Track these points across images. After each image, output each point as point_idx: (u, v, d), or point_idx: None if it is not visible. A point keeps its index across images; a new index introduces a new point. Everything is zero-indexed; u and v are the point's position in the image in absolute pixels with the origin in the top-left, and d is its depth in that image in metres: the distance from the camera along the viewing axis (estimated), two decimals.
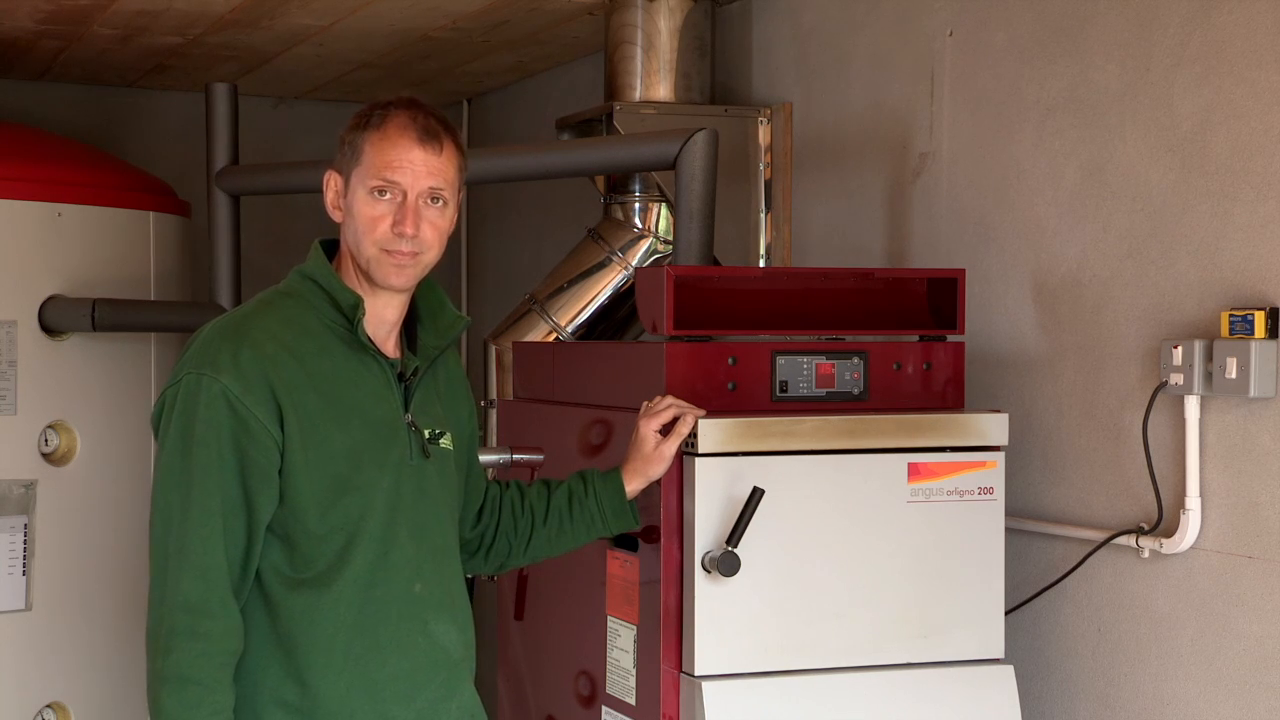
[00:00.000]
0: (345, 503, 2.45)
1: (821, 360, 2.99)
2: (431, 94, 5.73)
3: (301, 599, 2.44)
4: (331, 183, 2.56)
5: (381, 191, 2.49)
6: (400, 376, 2.56)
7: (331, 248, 2.59)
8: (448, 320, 2.63)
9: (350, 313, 2.50)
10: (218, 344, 2.44)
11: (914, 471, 2.92)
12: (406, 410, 2.55)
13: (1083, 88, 3.11)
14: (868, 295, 3.13)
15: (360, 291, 2.52)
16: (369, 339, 2.52)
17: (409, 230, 2.48)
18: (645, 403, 2.85)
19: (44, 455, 4.23)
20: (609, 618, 3.04)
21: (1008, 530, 3.06)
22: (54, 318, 4.21)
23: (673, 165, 3.47)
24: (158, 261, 4.51)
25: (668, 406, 2.82)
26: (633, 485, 2.82)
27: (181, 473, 2.39)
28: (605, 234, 4.06)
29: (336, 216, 2.55)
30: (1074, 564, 3.08)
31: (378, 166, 2.49)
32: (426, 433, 2.57)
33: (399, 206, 2.49)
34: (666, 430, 2.81)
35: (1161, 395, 2.89)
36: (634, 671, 2.95)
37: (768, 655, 2.84)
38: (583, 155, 3.78)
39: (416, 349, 2.62)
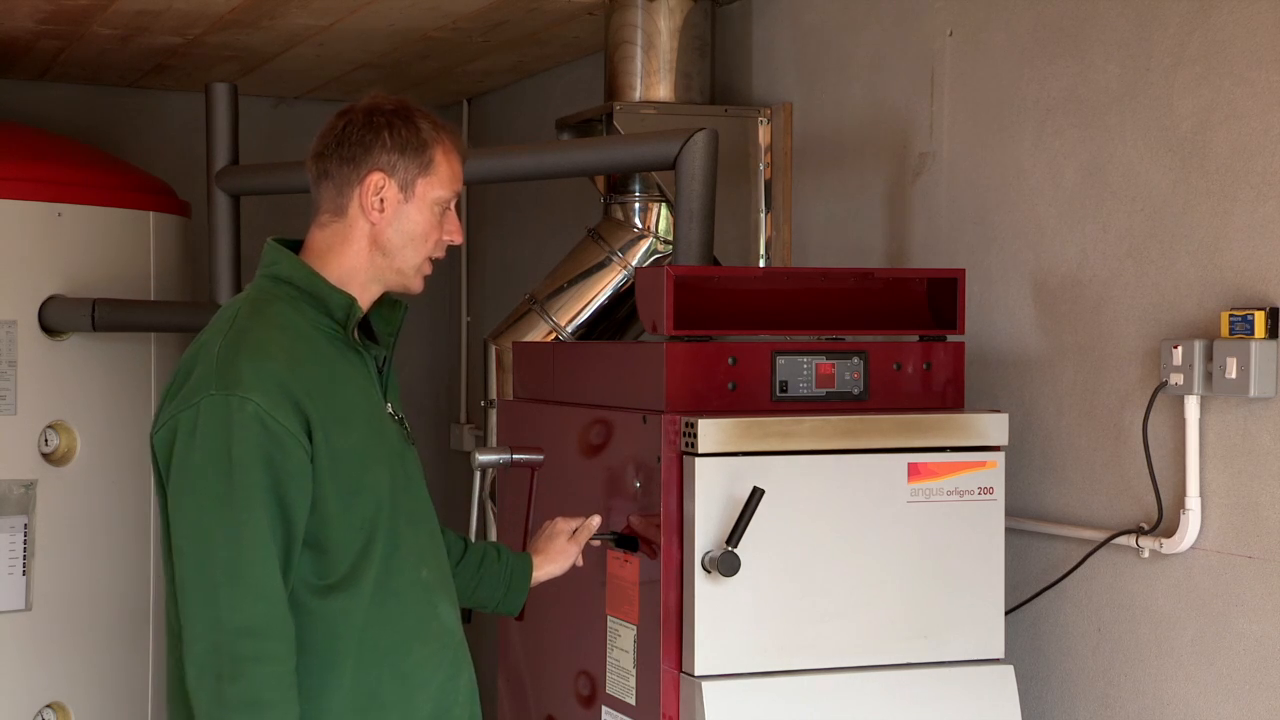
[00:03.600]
0: (361, 502, 2.46)
1: (821, 360, 2.99)
2: (431, 94, 5.74)
3: (336, 604, 2.44)
4: (383, 185, 2.51)
5: (446, 205, 2.55)
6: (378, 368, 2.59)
7: (285, 246, 2.58)
8: (388, 304, 2.64)
9: (343, 315, 2.50)
10: (234, 361, 2.39)
11: (914, 471, 2.92)
12: (385, 400, 2.58)
13: (1083, 88, 3.11)
14: (868, 295, 3.13)
15: (347, 290, 2.53)
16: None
17: (460, 238, 2.58)
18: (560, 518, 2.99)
19: (44, 455, 4.23)
20: (609, 618, 3.04)
21: (1008, 530, 3.06)
22: (54, 318, 4.21)
23: (673, 165, 3.47)
24: (158, 261, 4.51)
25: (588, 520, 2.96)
26: (536, 574, 2.91)
27: (223, 496, 2.35)
28: (605, 234, 4.06)
29: (374, 217, 2.51)
30: (1074, 564, 3.08)
31: (451, 179, 2.55)
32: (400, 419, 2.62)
33: (445, 217, 2.56)
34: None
35: (1161, 395, 2.89)
36: (634, 671, 2.95)
37: (768, 655, 2.84)
38: (583, 155, 3.78)
39: (374, 337, 2.62)
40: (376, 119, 2.52)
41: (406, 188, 2.51)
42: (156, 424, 2.46)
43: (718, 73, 4.13)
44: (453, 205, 2.58)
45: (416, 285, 2.58)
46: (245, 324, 2.46)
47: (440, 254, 2.58)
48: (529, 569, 2.90)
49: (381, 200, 2.51)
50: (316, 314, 2.50)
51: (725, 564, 2.76)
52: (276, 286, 2.52)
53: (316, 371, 2.45)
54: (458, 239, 2.58)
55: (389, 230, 2.52)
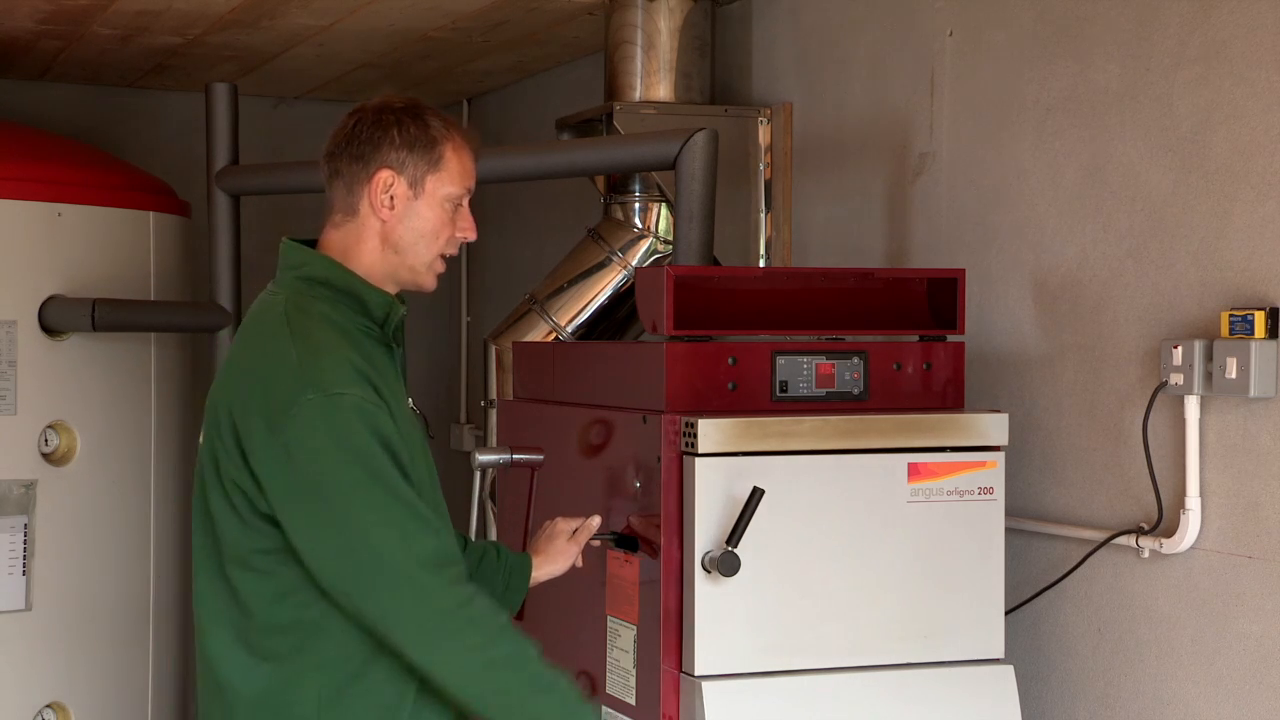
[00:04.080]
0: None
1: (821, 360, 2.99)
2: (431, 94, 5.74)
3: None
4: (392, 182, 2.51)
5: (458, 201, 2.55)
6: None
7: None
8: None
9: (382, 313, 2.51)
10: (317, 363, 2.39)
11: (914, 471, 2.92)
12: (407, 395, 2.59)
13: (1083, 88, 3.11)
14: (868, 295, 3.14)
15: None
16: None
17: (474, 234, 2.58)
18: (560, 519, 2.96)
19: (44, 455, 4.23)
20: (609, 618, 3.04)
21: (1008, 530, 3.06)
22: (54, 318, 4.21)
23: (673, 165, 3.47)
24: (158, 261, 4.51)
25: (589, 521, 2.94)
26: (535, 574, 2.89)
27: (366, 484, 2.35)
28: (605, 234, 4.06)
29: (384, 215, 2.51)
30: (1074, 564, 3.08)
31: (462, 176, 2.56)
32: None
33: (458, 213, 2.57)
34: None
35: (1161, 395, 2.89)
36: (634, 671, 2.95)
37: (768, 655, 2.84)
38: (583, 155, 3.78)
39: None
40: (385, 117, 2.52)
41: (416, 184, 2.52)
42: (255, 451, 2.40)
43: (718, 73, 4.13)
44: (466, 202, 2.58)
45: (429, 283, 2.58)
46: (303, 327, 2.45)
47: (453, 251, 2.59)
48: (528, 569, 2.90)
49: (391, 198, 2.51)
50: (352, 313, 2.50)
51: (725, 564, 2.76)
52: (311, 288, 2.51)
53: (370, 365, 2.46)
54: (471, 235, 2.59)
55: (400, 228, 2.52)
